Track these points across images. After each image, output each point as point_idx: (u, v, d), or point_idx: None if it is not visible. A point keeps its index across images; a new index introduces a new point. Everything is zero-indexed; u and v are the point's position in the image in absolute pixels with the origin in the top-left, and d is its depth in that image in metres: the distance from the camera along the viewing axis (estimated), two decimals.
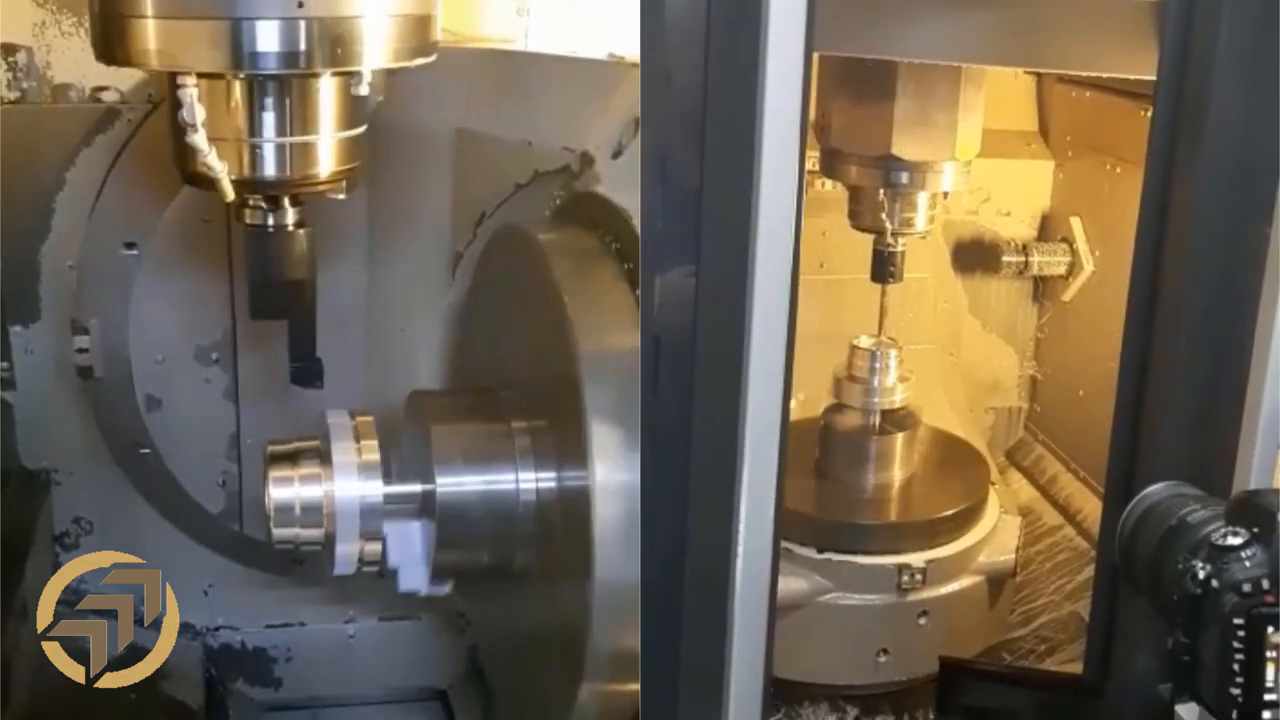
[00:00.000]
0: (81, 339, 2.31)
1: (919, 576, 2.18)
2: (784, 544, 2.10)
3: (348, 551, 1.82)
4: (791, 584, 2.15)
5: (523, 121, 2.15)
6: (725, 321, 1.48)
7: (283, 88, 1.69)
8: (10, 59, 2.28)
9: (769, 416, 1.50)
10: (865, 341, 2.36)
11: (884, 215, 2.24)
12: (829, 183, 2.42)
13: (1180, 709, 1.63)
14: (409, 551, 1.86)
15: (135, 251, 2.32)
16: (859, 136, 2.18)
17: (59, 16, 2.32)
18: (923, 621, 2.20)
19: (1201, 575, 1.32)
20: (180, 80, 1.62)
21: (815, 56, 1.45)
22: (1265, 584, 1.30)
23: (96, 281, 2.32)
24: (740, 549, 1.52)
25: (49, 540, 2.45)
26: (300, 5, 1.56)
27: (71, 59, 2.31)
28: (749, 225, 1.45)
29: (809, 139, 2.18)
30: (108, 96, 2.29)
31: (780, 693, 2.17)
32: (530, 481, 1.81)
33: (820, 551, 2.19)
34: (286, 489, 1.81)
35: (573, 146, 2.02)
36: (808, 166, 2.35)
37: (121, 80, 2.30)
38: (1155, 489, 1.52)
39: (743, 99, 1.42)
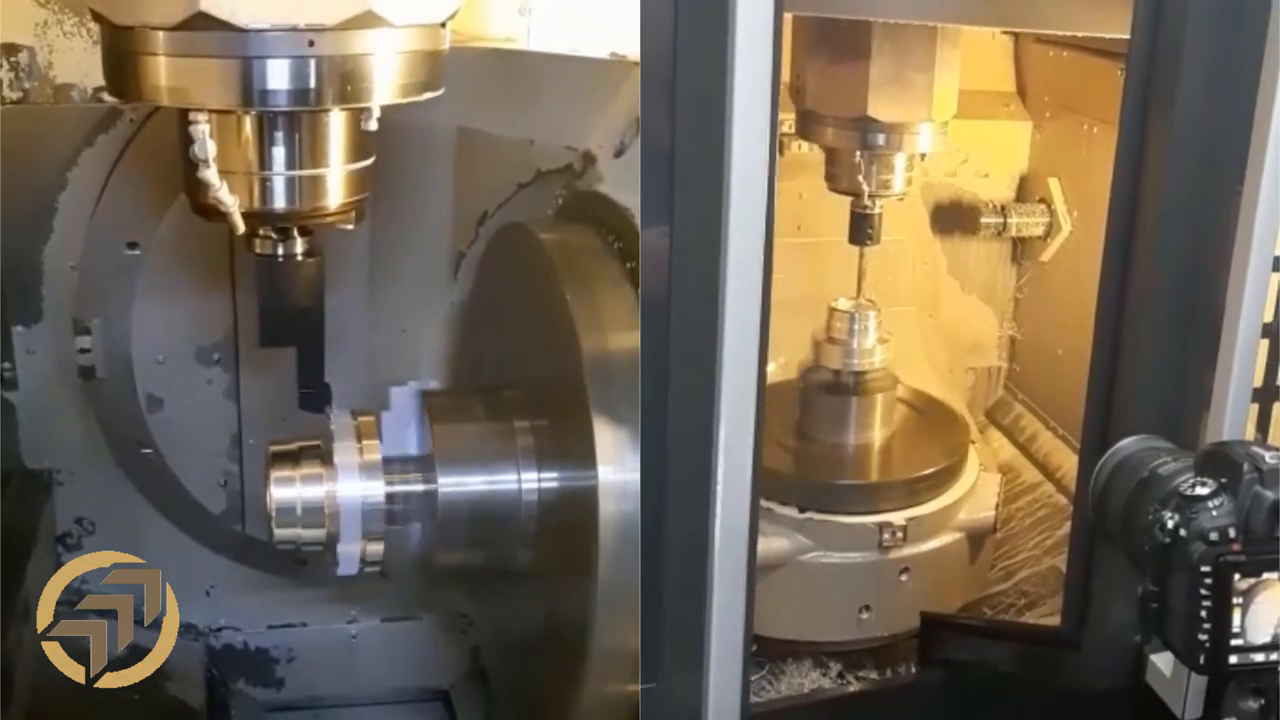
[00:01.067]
0: (83, 339, 2.31)
1: (900, 534, 2.20)
2: (766, 504, 2.14)
3: (350, 552, 1.82)
4: (774, 543, 2.16)
5: (525, 120, 2.14)
6: (699, 281, 1.49)
7: (293, 123, 1.70)
8: (12, 59, 2.28)
9: (745, 375, 1.51)
10: (844, 304, 2.37)
11: (861, 177, 2.24)
12: (806, 145, 2.42)
13: (1155, 658, 1.65)
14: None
15: (137, 251, 2.31)
16: (835, 98, 2.18)
17: (61, 16, 2.32)
18: (904, 578, 2.22)
19: (1170, 525, 1.35)
20: (192, 117, 1.63)
21: (790, 18, 1.44)
22: (1232, 533, 1.33)
23: (98, 281, 2.32)
24: (719, 508, 1.53)
25: (51, 540, 2.45)
26: (311, 44, 1.56)
27: (74, 59, 2.31)
28: (721, 184, 1.45)
29: (785, 101, 2.18)
30: (110, 97, 2.28)
31: (764, 650, 2.18)
32: (533, 481, 1.81)
33: (802, 511, 2.21)
34: (288, 489, 1.81)
35: (575, 145, 2.02)
36: (784, 129, 2.37)
37: None
38: (1127, 442, 1.56)
39: (713, 57, 1.42)
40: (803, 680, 2.20)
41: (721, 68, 1.43)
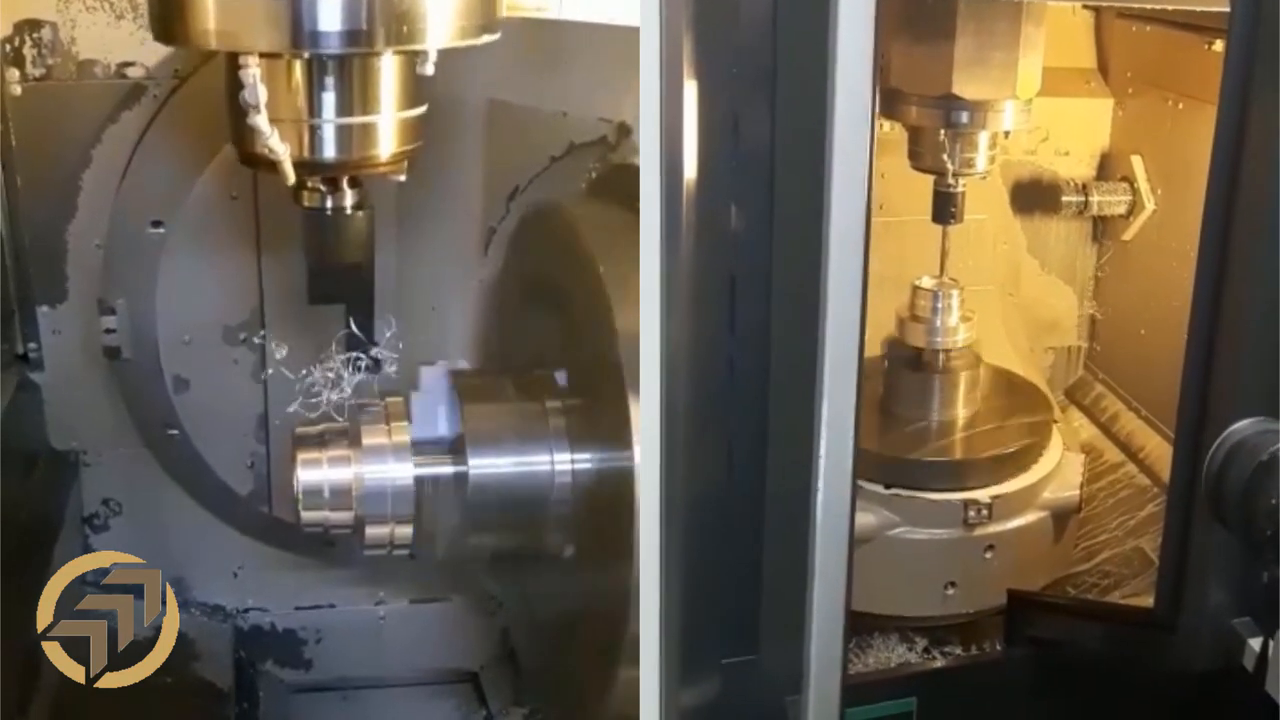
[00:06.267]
0: (109, 319, 2.29)
1: (985, 512, 2.18)
2: None
3: (378, 534, 1.80)
4: (861, 518, 2.14)
5: (557, 92, 2.10)
6: (800, 259, 1.48)
7: (344, 67, 1.65)
8: (35, 35, 2.26)
9: (847, 351, 1.51)
10: (927, 282, 2.37)
11: (945, 156, 2.22)
12: (887, 124, 2.41)
13: (1252, 642, 1.62)
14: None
15: (162, 230, 2.28)
16: (919, 76, 2.16)
17: None
18: (989, 556, 2.21)
19: None
20: (242, 61, 1.58)
21: None
22: None
23: (123, 261, 2.29)
24: (820, 484, 1.52)
25: (78, 521, 2.45)
26: None
27: (96, 34, 2.28)
28: (823, 165, 1.44)
29: None
30: (133, 72, 2.26)
31: (851, 624, 2.18)
32: (565, 462, 1.78)
33: (888, 487, 2.19)
34: (315, 471, 1.78)
35: (609, 117, 1.97)
36: None
37: (147, 56, 2.26)
38: (1243, 425, 1.52)
39: (815, 37, 1.42)
40: (889, 654, 2.19)
41: (823, 52, 1.41)
